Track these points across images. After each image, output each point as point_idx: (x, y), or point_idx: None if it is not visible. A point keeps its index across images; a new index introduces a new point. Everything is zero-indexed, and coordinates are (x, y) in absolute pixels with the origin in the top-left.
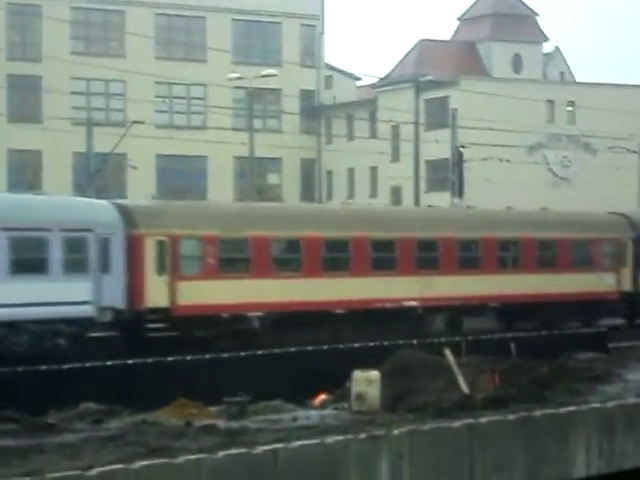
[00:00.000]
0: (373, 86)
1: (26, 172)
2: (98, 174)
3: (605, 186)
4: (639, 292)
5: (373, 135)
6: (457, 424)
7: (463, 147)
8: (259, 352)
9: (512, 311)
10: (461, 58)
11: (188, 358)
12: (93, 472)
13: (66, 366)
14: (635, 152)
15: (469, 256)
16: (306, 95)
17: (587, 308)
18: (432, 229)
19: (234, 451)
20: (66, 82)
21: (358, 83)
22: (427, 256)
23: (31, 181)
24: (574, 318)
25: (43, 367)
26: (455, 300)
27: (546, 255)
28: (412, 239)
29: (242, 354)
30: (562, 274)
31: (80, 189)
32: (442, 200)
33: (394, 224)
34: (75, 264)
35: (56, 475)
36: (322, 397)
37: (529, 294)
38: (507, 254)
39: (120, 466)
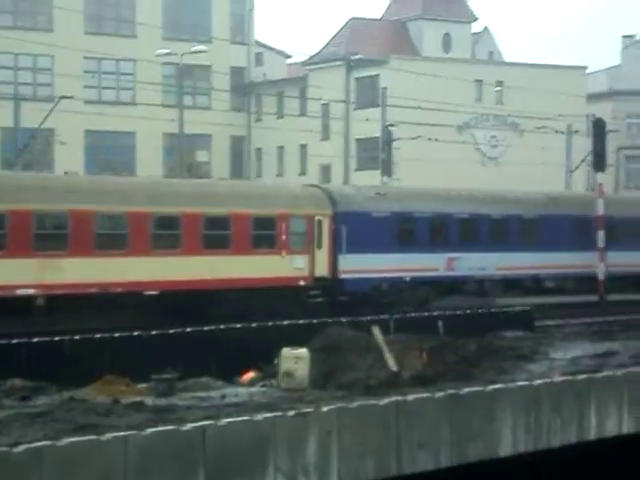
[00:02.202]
0: (303, 64)
1: None
2: (25, 149)
3: (532, 166)
4: (339, 278)
5: (303, 113)
6: (385, 401)
7: (393, 126)
8: (187, 329)
9: (174, 302)
10: (391, 37)
11: (116, 335)
12: (20, 449)
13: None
14: (562, 133)
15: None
16: (236, 72)
17: (272, 296)
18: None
19: (162, 428)
20: None
21: (288, 61)
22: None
23: None
24: (258, 308)
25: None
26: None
27: (215, 234)
28: None
29: (171, 331)
30: (237, 256)
31: (7, 164)
32: (372, 179)
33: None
34: None
35: None
36: (250, 374)
37: (191, 280)
38: (166, 232)
39: (47, 443)
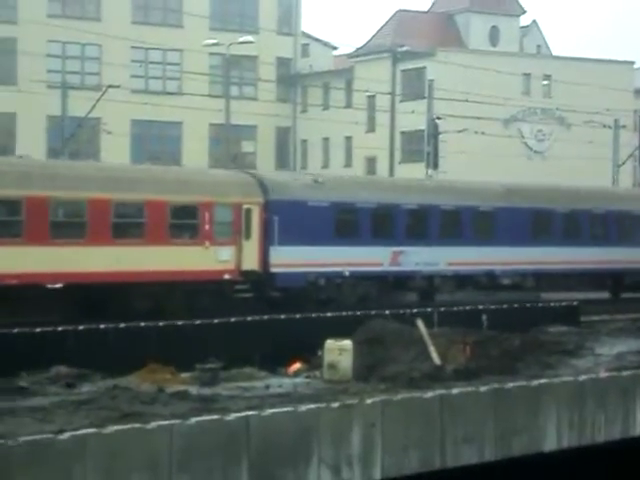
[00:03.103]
0: (350, 56)
1: (2, 134)
2: (72, 138)
3: (579, 160)
4: (270, 271)
5: (349, 105)
6: (429, 394)
7: (439, 118)
8: (232, 319)
9: (80, 296)
10: (439, 29)
11: (161, 323)
12: (65, 436)
13: (38, 329)
14: (609, 127)
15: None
16: (282, 63)
17: (193, 290)
18: None
19: (206, 417)
20: (42, 45)
21: (335, 52)
22: None
23: (4, 144)
24: (177, 303)
25: (15, 330)
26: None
27: (126, 222)
28: None
29: (215, 321)
30: (151, 247)
31: (54, 153)
32: (417, 171)
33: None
34: None
35: (28, 438)
36: (297, 365)
37: (97, 272)
38: (69, 220)
39: (92, 430)
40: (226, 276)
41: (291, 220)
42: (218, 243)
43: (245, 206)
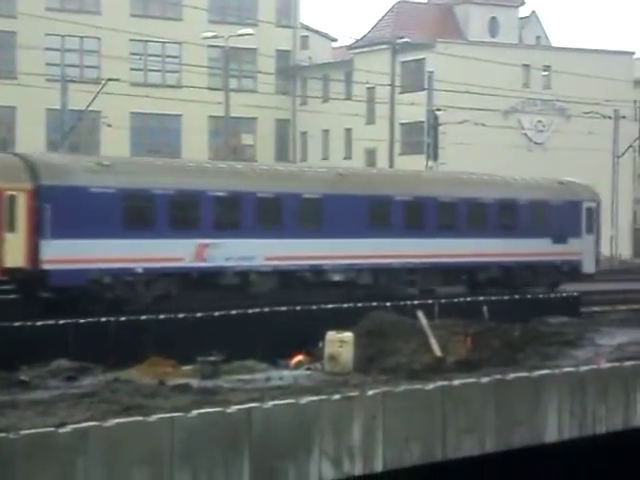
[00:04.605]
0: (349, 47)
1: (1, 128)
2: (72, 131)
3: (579, 151)
4: (41, 269)
5: (348, 97)
6: (430, 386)
7: (438, 110)
8: (233, 312)
9: None
10: (438, 21)
11: (161, 316)
12: (66, 429)
13: (39, 323)
14: (610, 118)
15: None
16: (282, 55)
17: None
18: None
19: (208, 410)
20: (41, 38)
21: (334, 44)
22: None
23: (4, 138)
24: None
25: (16, 323)
26: None
27: None
28: None
29: (216, 314)
30: None
31: (54, 146)
32: (417, 163)
33: None
34: None
35: (30, 432)
36: (298, 358)
37: None
38: None
39: (93, 423)
40: None
41: (68, 209)
42: None
43: (7, 193)
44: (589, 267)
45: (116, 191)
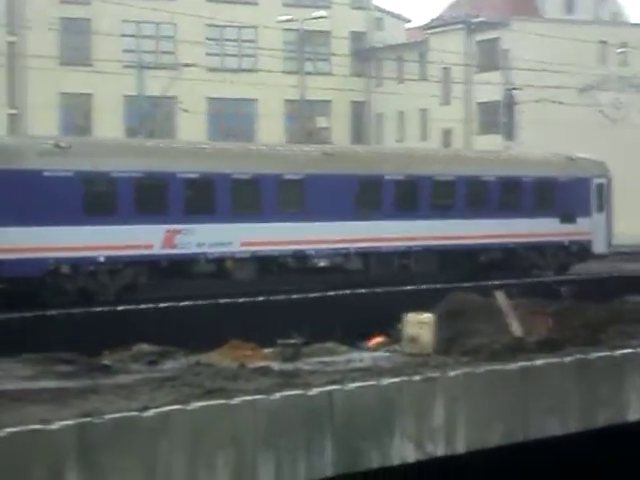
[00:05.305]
0: (424, 28)
1: (77, 115)
2: (149, 117)
3: None
4: None
5: (423, 77)
6: (512, 367)
7: (515, 89)
8: (311, 294)
9: None
10: None
11: (241, 300)
12: (149, 413)
13: (120, 307)
14: None
15: None
16: (356, 37)
17: None
18: None
19: (289, 393)
20: (117, 24)
21: (408, 25)
22: None
23: (82, 125)
24: None
25: (96, 308)
26: None
27: None
28: None
29: (294, 296)
30: None
31: (131, 133)
32: (493, 143)
33: None
34: None
35: (114, 416)
36: (378, 339)
37: None
38: None
39: (176, 407)
40: None
41: (20, 194)
42: None
43: None
44: (600, 247)
45: (74, 174)
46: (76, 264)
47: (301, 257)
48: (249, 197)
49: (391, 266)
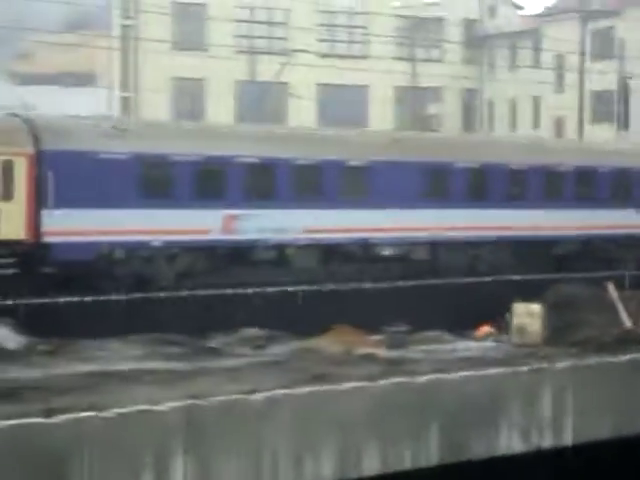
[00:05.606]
0: (538, 16)
1: (188, 100)
2: (260, 103)
3: None
4: (43, 241)
5: (536, 65)
6: (622, 359)
7: (629, 78)
8: (419, 282)
9: None
10: None
11: (346, 287)
12: (256, 396)
13: (229, 291)
14: None
15: None
16: (469, 24)
17: None
18: None
19: (396, 379)
20: (230, 10)
21: (521, 12)
22: None
23: (193, 109)
24: None
25: (204, 292)
26: None
27: None
28: None
29: (399, 283)
30: None
31: (241, 118)
32: (607, 132)
33: None
34: None
35: (220, 398)
36: (486, 329)
37: None
38: None
39: (284, 391)
40: None
41: (74, 176)
42: None
43: (2, 157)
44: None
45: (130, 157)
46: (131, 248)
47: (365, 246)
48: (312, 183)
49: (460, 256)
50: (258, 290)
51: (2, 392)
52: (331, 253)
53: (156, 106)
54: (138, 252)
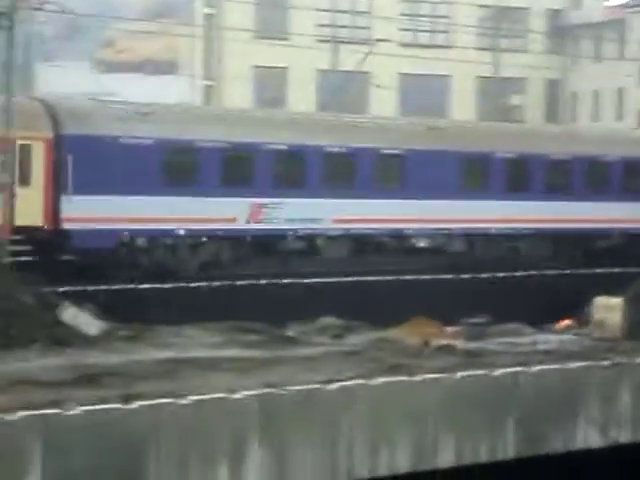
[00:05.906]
0: (622, 6)
1: (270, 89)
2: (341, 92)
3: None
4: (62, 228)
5: (621, 57)
6: None
7: None
8: (498, 274)
9: None
10: None
11: (425, 277)
12: (333, 386)
13: (306, 280)
14: None
15: None
16: (553, 15)
17: None
18: None
19: (473, 372)
20: None
21: (607, 3)
22: None
23: (275, 98)
24: None
25: (285, 280)
26: None
27: None
28: None
29: (483, 275)
30: None
31: (323, 107)
32: None
33: None
34: None
35: (297, 388)
36: (566, 322)
37: None
38: None
39: (360, 381)
40: None
41: (95, 162)
42: None
43: (20, 142)
44: None
45: (153, 142)
46: (153, 237)
47: (399, 237)
48: (343, 172)
49: (498, 249)
50: (335, 280)
51: (82, 377)
52: (363, 244)
53: (238, 95)
54: (161, 241)
